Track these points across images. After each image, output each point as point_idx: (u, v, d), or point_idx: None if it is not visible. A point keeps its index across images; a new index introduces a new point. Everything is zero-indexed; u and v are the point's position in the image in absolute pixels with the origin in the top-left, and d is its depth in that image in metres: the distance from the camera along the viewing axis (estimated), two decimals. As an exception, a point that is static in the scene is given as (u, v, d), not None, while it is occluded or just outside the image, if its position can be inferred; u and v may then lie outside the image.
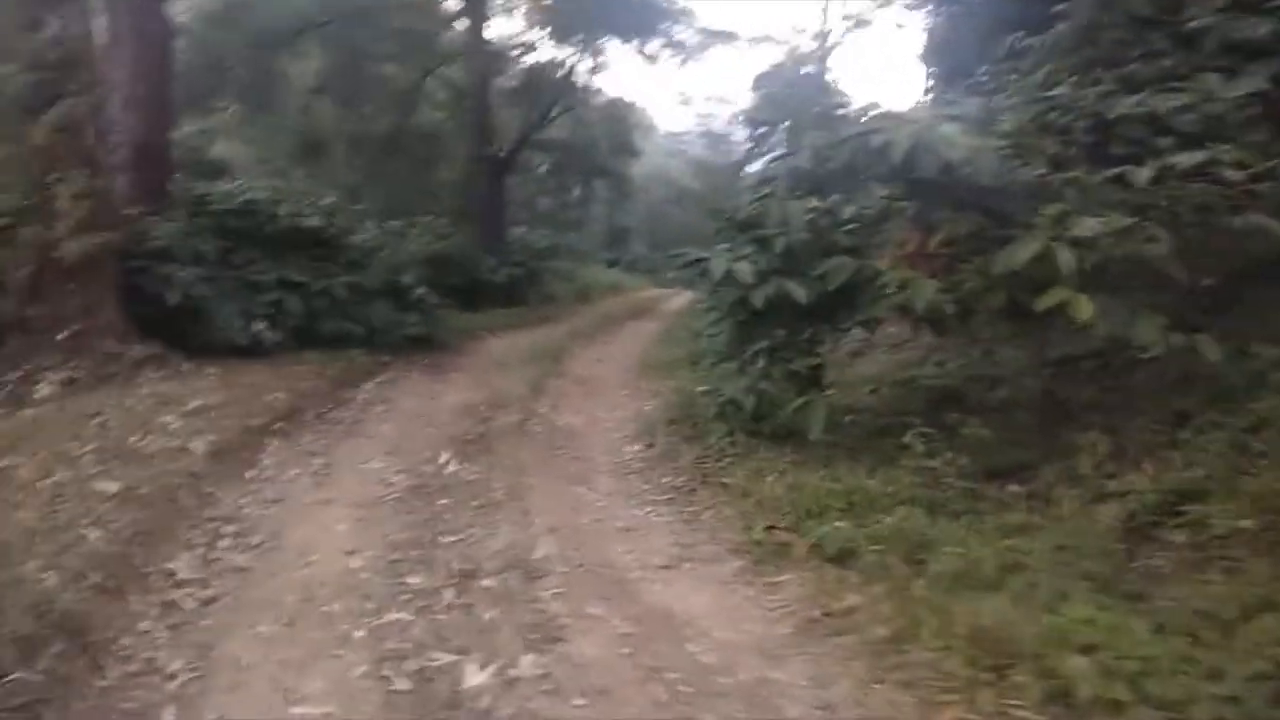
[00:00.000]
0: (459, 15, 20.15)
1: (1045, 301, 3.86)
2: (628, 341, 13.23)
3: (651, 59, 26.16)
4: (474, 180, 18.50)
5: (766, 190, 5.15)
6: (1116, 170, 4.27)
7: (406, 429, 6.38)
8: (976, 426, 5.09)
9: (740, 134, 58.77)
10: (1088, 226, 3.96)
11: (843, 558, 3.59)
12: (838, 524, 3.85)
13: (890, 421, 6.00)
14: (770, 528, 4.00)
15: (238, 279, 7.83)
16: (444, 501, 4.67)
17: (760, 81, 51.87)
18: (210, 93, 19.79)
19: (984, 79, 11.61)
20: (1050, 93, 5.17)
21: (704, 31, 21.86)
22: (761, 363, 5.44)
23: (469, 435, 6.18)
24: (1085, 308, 3.77)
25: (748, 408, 5.47)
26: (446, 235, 15.09)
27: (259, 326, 7.50)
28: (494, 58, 19.74)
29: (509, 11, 21.69)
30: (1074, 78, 6.70)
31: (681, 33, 21.93)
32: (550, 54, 26.69)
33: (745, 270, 4.96)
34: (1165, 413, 4.92)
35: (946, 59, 29.70)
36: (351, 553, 3.90)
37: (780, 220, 4.90)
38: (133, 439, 4.73)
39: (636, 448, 6.06)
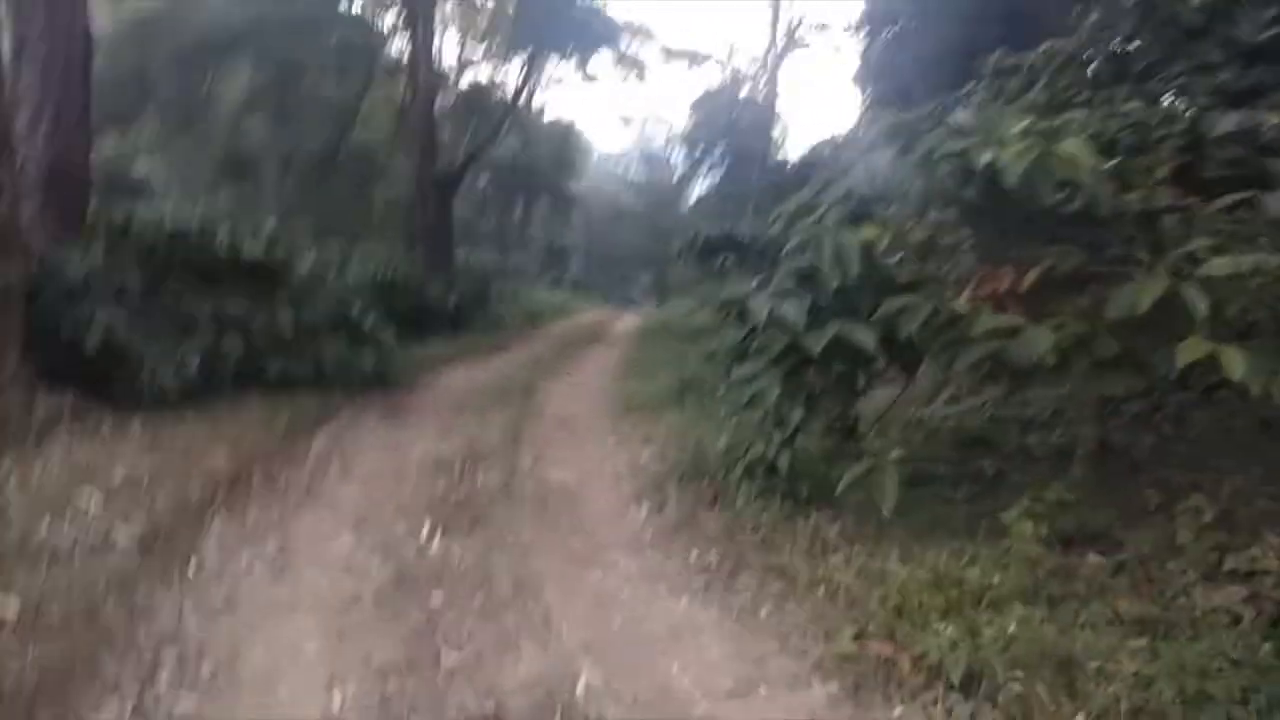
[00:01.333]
0: (399, 29, 19.24)
1: (1185, 356, 3.19)
2: (594, 372, 12.42)
3: (592, 78, 25.61)
4: (418, 201, 17.48)
5: (812, 218, 4.43)
6: (1238, 197, 3.67)
7: (373, 493, 5.46)
8: (1041, 480, 4.45)
9: (678, 155, 58.86)
10: (1221, 265, 3.33)
11: (971, 684, 2.85)
12: (945, 631, 3.12)
13: (921, 470, 5.36)
14: (859, 636, 3.24)
15: (167, 316, 6.81)
16: (437, 599, 3.80)
17: (699, 103, 51.94)
18: (131, 109, 18.47)
19: (955, 99, 11.25)
20: (1124, 108, 4.59)
21: (661, 49, 21.18)
22: (799, 414, 4.71)
23: (450, 500, 5.30)
24: (1236, 362, 3.12)
25: (781, 467, 4.74)
26: (392, 260, 14.06)
27: (192, 371, 6.48)
28: (437, 75, 18.82)
29: (451, 27, 20.89)
30: (1092, 94, 6.21)
31: (636, 49, 21.34)
32: (489, 72, 26.01)
33: (795, 312, 4.22)
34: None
35: (884, 83, 29.70)
36: (330, 685, 3.02)
37: (834, 254, 4.18)
38: (41, 530, 3.76)
39: (644, 512, 5.24)
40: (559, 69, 23.99)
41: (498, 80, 26.46)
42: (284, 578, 4.00)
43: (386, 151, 20.65)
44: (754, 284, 4.90)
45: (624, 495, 5.67)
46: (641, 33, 21.44)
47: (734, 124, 49.58)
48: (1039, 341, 3.42)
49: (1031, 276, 3.67)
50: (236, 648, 3.26)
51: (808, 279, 4.57)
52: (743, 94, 49.35)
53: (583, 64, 23.79)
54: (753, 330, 4.68)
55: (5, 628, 3.00)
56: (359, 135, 21.80)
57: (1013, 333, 3.54)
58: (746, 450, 5.02)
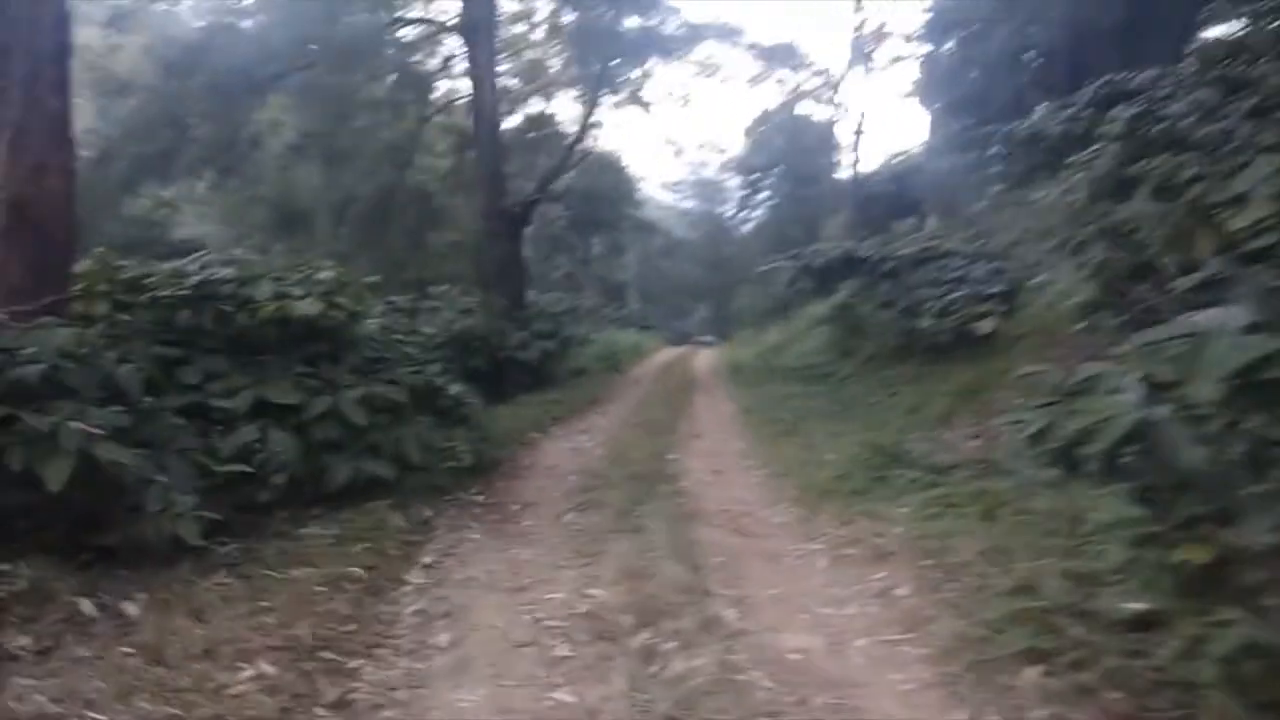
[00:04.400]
0: (458, 55, 17.40)
1: None
2: (719, 432, 10.19)
3: (647, 104, 23.74)
4: (488, 239, 15.44)
5: None
6: None
7: (512, 704, 3.25)
8: None
9: (732, 182, 57.07)
10: None
11: None
12: None
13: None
14: None
15: (188, 413, 4.77)
16: None
17: (758, 123, 50.02)
18: (169, 157, 16.92)
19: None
20: None
21: (747, 45, 19.17)
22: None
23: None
24: None
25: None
26: (469, 309, 12.03)
27: (224, 501, 4.38)
28: (501, 99, 16.94)
29: (515, 52, 19.07)
30: None
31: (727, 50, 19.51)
32: (544, 106, 24.38)
33: None
34: None
35: (951, 91, 27.21)
36: None
37: None
38: None
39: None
40: (615, 96, 22.25)
41: (552, 112, 24.83)
42: None
43: (448, 189, 18.82)
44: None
45: (928, 687, 3.37)
46: (720, 33, 19.31)
47: (795, 144, 47.47)
48: None
49: None
50: None
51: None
52: (803, 112, 47.33)
53: (638, 91, 21.98)
54: None
55: None
56: (416, 175, 20.07)
57: None
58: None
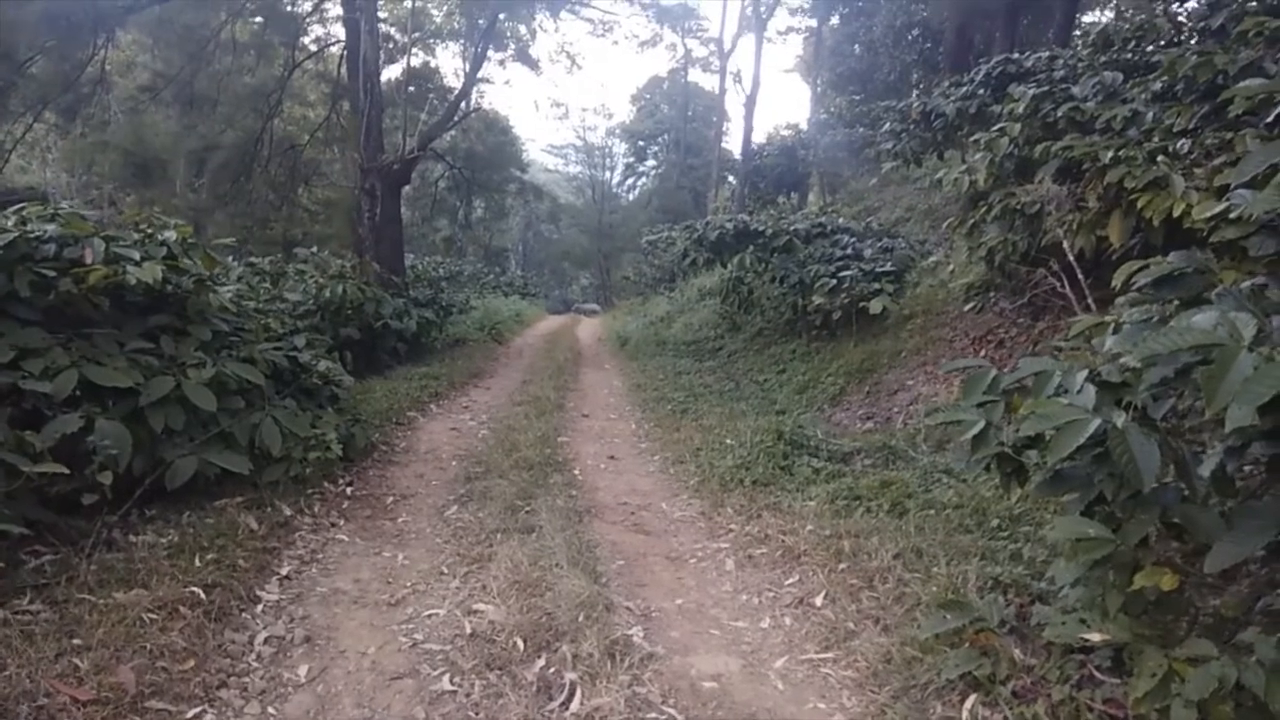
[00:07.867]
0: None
1: None
2: (610, 410, 9.75)
3: (535, 65, 23.06)
4: (364, 197, 14.37)
5: None
6: None
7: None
8: None
9: (619, 148, 56.57)
10: None
11: None
12: None
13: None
14: None
15: (-11, 400, 3.98)
16: None
17: (645, 90, 49.53)
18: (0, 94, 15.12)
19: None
20: None
21: (648, 6, 18.55)
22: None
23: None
24: None
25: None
26: (341, 272, 11.11)
27: (27, 508, 3.64)
28: (382, 47, 15.80)
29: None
30: None
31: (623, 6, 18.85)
32: (424, 58, 23.23)
33: None
34: None
35: (834, 67, 27.63)
36: None
37: None
38: None
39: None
40: (502, 53, 21.40)
41: (435, 65, 23.69)
42: None
43: (320, 142, 17.52)
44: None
45: (856, 719, 3.05)
46: None
47: (683, 113, 47.22)
48: None
49: None
50: None
51: None
52: (692, 80, 47.14)
53: (528, 45, 21.23)
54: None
55: None
56: (284, 125, 18.66)
57: None
58: None
